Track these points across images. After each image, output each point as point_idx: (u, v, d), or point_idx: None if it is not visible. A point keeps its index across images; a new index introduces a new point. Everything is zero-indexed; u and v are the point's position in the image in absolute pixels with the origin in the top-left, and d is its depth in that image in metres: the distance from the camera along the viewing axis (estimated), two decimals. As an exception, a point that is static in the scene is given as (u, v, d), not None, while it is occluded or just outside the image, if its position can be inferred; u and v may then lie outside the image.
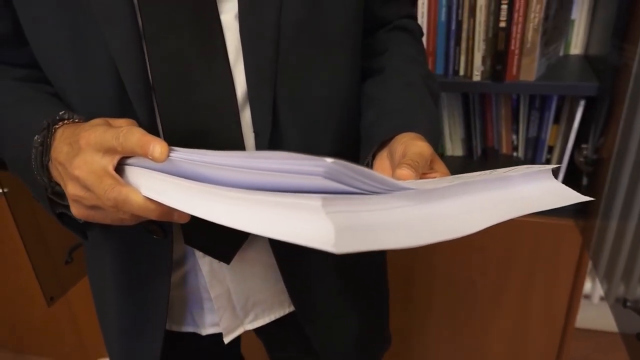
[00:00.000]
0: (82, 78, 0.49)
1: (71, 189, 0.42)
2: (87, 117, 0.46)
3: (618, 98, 0.91)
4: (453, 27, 1.06)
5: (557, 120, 1.16)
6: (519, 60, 1.01)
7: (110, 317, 0.65)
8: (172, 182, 0.36)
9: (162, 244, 0.55)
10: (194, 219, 0.36)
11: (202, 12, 0.47)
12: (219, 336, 0.67)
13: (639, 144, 0.86)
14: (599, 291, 1.50)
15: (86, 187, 0.40)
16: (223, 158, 0.32)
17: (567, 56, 1.17)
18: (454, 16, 1.05)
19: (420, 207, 0.30)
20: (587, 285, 1.51)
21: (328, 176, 0.26)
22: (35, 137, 0.45)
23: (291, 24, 0.49)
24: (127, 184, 0.40)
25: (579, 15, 1.13)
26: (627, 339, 0.87)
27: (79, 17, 0.46)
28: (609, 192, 0.95)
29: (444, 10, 1.05)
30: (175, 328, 0.67)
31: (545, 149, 1.19)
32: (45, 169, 0.45)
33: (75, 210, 0.43)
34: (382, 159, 0.49)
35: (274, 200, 0.28)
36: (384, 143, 0.50)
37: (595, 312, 1.54)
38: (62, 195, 0.46)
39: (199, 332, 0.67)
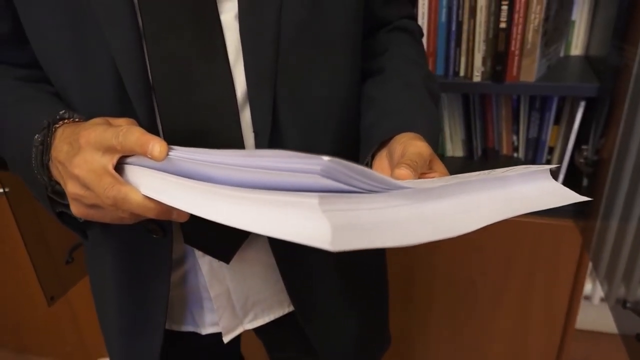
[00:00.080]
0: (82, 78, 0.49)
1: (71, 188, 0.42)
2: (88, 116, 0.46)
3: (618, 99, 0.91)
4: (453, 27, 1.06)
5: (557, 121, 1.16)
6: (520, 61, 1.01)
7: (110, 316, 0.65)
8: (171, 180, 0.37)
9: (161, 243, 0.55)
10: (194, 218, 0.36)
11: (202, 12, 0.47)
12: (218, 336, 0.67)
13: None
14: (600, 292, 1.50)
15: (86, 186, 0.41)
16: (222, 157, 0.32)
17: (567, 57, 1.17)
18: (454, 17, 1.05)
19: (417, 206, 0.30)
20: (588, 287, 1.51)
21: (325, 174, 0.26)
22: (36, 137, 0.45)
23: (291, 24, 0.49)
24: (127, 182, 0.40)
25: (580, 16, 1.13)
26: (626, 340, 0.87)
27: (80, 17, 0.46)
28: (609, 193, 0.95)
29: (444, 11, 1.06)
30: (175, 327, 0.67)
31: (546, 149, 1.19)
32: (45, 168, 0.46)
33: (75, 209, 0.44)
34: (382, 159, 0.49)
35: (272, 198, 0.28)
36: (383, 143, 0.50)
37: (595, 314, 1.54)
38: (62, 194, 0.46)
39: (198, 331, 0.67)
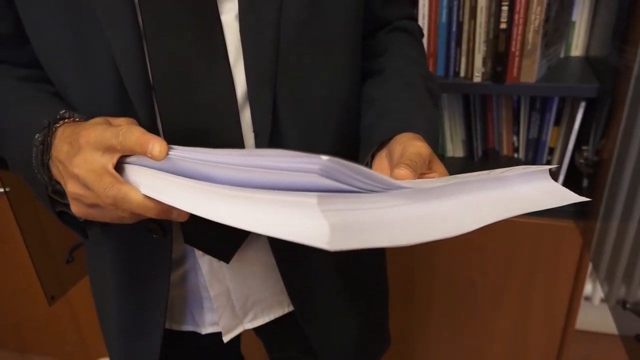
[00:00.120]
0: (82, 77, 0.49)
1: (71, 187, 0.42)
2: (88, 116, 0.46)
3: (619, 100, 0.91)
4: (454, 28, 1.06)
5: (557, 121, 1.16)
6: (520, 61, 1.01)
7: (110, 315, 0.65)
8: (171, 180, 0.37)
9: (161, 243, 0.55)
10: (194, 218, 0.36)
11: (202, 12, 0.47)
12: (218, 335, 0.67)
13: (640, 146, 0.86)
14: (600, 293, 1.50)
15: (86, 185, 0.41)
16: (221, 156, 0.32)
17: (567, 58, 1.17)
18: (454, 17, 1.05)
19: (416, 206, 0.30)
20: (588, 287, 1.51)
21: (324, 174, 0.26)
22: (36, 136, 0.46)
23: (291, 24, 0.49)
24: (127, 182, 0.40)
25: (580, 16, 1.13)
26: (626, 340, 0.87)
27: (80, 17, 0.46)
28: (610, 193, 0.95)
29: (444, 11, 1.06)
30: (174, 327, 0.67)
31: (546, 150, 1.19)
32: (45, 167, 0.46)
33: (75, 209, 0.44)
34: (381, 159, 0.49)
35: (271, 198, 0.28)
36: (383, 143, 0.50)
37: (596, 314, 1.54)
38: (62, 193, 0.46)
39: (198, 331, 0.67)
